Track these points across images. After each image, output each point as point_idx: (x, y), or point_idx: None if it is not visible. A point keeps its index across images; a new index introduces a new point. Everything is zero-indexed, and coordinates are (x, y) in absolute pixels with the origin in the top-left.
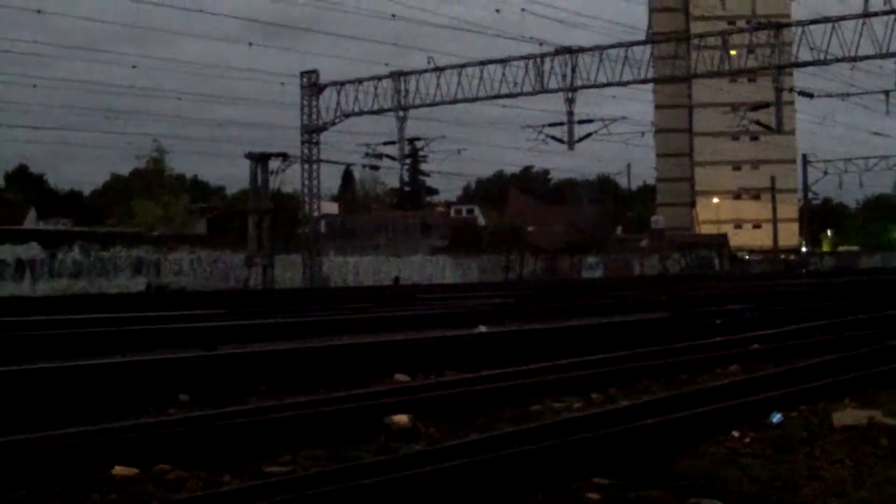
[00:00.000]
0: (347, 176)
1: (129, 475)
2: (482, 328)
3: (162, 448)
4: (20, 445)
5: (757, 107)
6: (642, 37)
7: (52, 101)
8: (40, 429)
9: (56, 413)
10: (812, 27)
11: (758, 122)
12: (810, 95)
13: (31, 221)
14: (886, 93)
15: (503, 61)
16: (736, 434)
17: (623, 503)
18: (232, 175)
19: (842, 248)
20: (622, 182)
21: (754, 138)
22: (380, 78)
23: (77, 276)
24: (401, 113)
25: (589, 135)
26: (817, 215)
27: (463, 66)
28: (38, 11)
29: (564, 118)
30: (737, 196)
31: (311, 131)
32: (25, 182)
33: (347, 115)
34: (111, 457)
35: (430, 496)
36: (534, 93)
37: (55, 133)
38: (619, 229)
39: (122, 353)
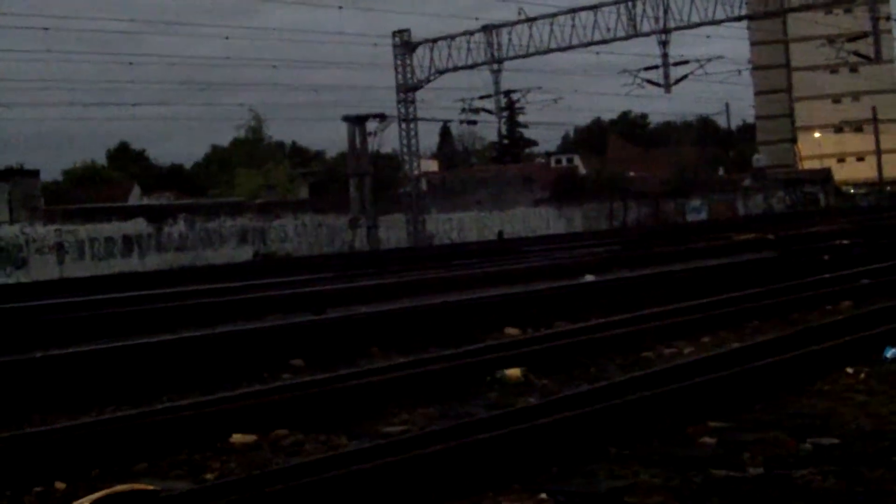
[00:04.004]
0: (445, 132)
1: (248, 442)
2: (589, 277)
3: (278, 413)
4: (141, 417)
5: (854, 37)
6: None
7: (147, 78)
8: (160, 400)
9: (174, 384)
10: None
11: (856, 53)
12: None
13: (135, 197)
14: None
15: (594, 7)
16: (850, 371)
17: (739, 445)
18: (331, 139)
19: None
20: (721, 122)
21: (853, 70)
22: (471, 32)
23: (184, 249)
24: (495, 66)
25: (685, 76)
26: None
27: (554, 14)
28: None
29: (659, 61)
30: (838, 129)
31: (407, 90)
32: (127, 159)
33: (442, 72)
34: (229, 425)
35: (546, 448)
36: (627, 37)
37: (153, 109)
38: (721, 170)
39: (234, 322)
